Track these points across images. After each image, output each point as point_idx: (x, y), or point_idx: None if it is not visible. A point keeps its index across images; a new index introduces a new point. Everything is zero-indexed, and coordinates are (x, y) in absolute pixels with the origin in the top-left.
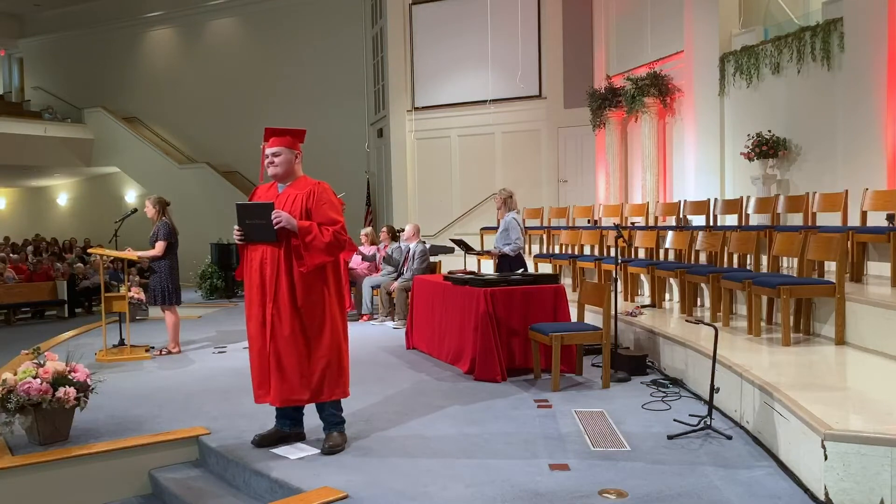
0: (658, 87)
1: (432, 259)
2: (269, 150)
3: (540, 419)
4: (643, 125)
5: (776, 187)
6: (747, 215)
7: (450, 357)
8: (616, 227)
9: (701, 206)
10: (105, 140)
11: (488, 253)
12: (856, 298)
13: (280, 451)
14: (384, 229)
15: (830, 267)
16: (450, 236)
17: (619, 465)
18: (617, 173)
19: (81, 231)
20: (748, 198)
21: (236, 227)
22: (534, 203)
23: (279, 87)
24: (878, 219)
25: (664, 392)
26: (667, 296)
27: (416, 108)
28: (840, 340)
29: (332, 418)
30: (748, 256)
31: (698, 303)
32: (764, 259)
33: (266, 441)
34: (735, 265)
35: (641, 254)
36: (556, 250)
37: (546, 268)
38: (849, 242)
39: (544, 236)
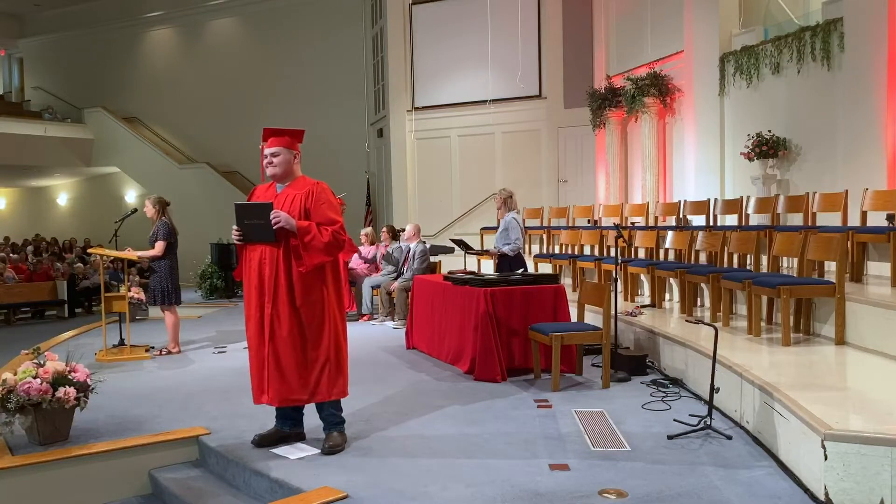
0: (658, 87)
1: (432, 259)
2: (267, 151)
3: (540, 419)
4: (643, 125)
5: (776, 187)
6: (747, 215)
7: (450, 357)
8: (616, 227)
9: (701, 206)
10: (105, 140)
11: (487, 252)
12: (856, 298)
13: (280, 451)
14: (385, 229)
15: (830, 267)
16: (450, 236)
17: (619, 465)
18: (617, 173)
19: (81, 231)
20: (748, 198)
21: (235, 227)
22: (534, 203)
23: (279, 87)
24: (878, 219)
25: (664, 392)
26: (667, 296)
27: (416, 108)
28: (840, 340)
29: (332, 418)
30: (748, 256)
31: (698, 303)
32: (764, 259)
33: (266, 441)
34: (735, 265)
35: (641, 254)
36: (556, 250)
37: (546, 268)
38: (849, 242)
39: (544, 236)
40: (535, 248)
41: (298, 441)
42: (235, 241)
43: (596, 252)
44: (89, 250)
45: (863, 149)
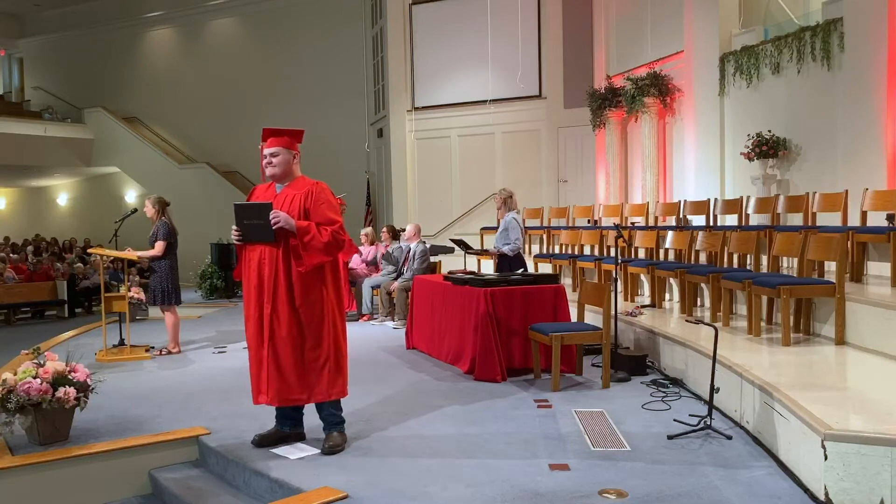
0: (658, 87)
1: (432, 259)
2: (266, 151)
3: (540, 419)
4: (643, 125)
5: (776, 187)
6: (747, 215)
7: (450, 357)
8: (616, 227)
9: (701, 206)
10: (105, 140)
11: (487, 252)
12: (856, 298)
13: (280, 451)
14: (385, 229)
15: (830, 267)
16: (450, 236)
17: (619, 465)
18: (617, 173)
19: (81, 231)
20: (748, 198)
21: (234, 227)
22: (534, 203)
23: (279, 87)
24: (878, 219)
25: (664, 392)
26: (667, 296)
27: (416, 108)
28: (840, 340)
29: (332, 418)
30: (748, 256)
31: (698, 303)
32: (764, 259)
33: (266, 441)
34: (735, 265)
35: (641, 254)
36: (556, 250)
37: (546, 268)
38: (849, 242)
39: (544, 236)
40: (535, 248)
41: (298, 441)
42: (235, 242)
43: (596, 252)
44: (89, 250)
45: (863, 149)
